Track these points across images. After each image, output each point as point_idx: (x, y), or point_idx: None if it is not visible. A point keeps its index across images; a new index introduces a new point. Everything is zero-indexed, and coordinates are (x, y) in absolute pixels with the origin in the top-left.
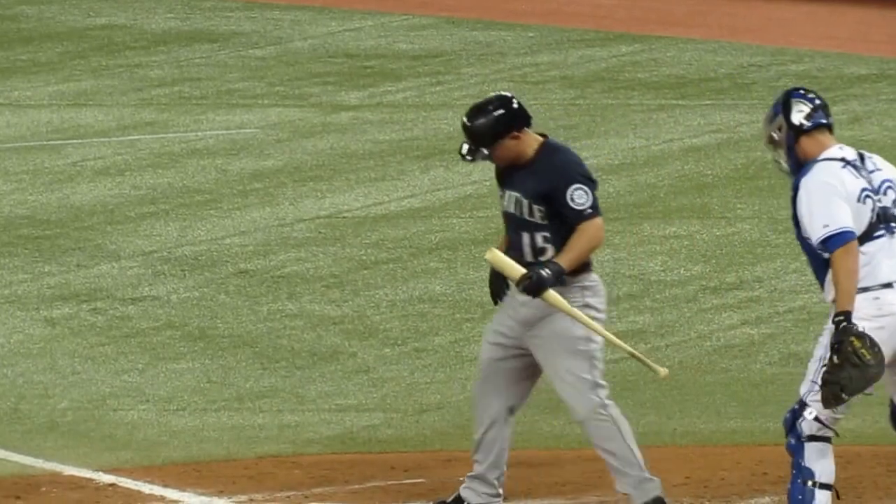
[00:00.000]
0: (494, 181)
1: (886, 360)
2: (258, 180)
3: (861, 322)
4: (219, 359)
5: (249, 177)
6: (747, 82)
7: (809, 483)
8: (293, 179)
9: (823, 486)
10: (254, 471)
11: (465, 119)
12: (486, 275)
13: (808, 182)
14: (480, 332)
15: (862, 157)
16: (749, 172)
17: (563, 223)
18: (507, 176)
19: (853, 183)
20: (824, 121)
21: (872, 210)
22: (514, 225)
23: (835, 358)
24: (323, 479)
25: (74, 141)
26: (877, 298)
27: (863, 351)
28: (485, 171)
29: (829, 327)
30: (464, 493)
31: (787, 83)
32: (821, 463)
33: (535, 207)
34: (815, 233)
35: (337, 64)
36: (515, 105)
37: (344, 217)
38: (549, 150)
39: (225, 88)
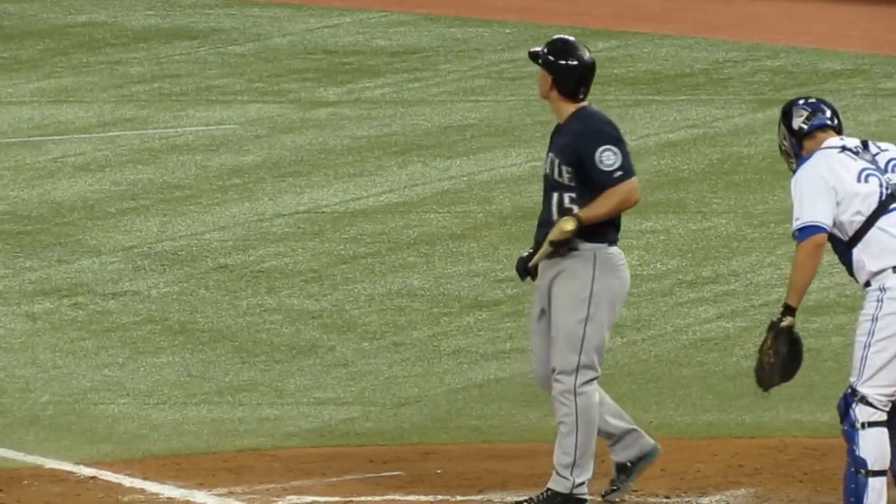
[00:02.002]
0: (472, 177)
1: None
2: (237, 176)
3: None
4: (198, 353)
5: (229, 172)
6: (723, 78)
7: (862, 472)
8: (272, 175)
9: (876, 474)
10: (233, 464)
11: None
12: (463, 269)
13: (799, 173)
14: (458, 327)
15: (865, 144)
16: (724, 168)
17: (592, 185)
18: (552, 138)
19: (851, 165)
20: (827, 122)
21: (881, 186)
22: (547, 186)
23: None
24: (301, 471)
25: (55, 137)
26: None
27: (770, 350)
28: (463, 166)
29: (865, 311)
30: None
31: (763, 79)
32: (874, 450)
33: (564, 168)
34: (792, 223)
35: (315, 60)
36: (576, 76)
37: (322, 212)
38: (581, 113)
39: (204, 85)
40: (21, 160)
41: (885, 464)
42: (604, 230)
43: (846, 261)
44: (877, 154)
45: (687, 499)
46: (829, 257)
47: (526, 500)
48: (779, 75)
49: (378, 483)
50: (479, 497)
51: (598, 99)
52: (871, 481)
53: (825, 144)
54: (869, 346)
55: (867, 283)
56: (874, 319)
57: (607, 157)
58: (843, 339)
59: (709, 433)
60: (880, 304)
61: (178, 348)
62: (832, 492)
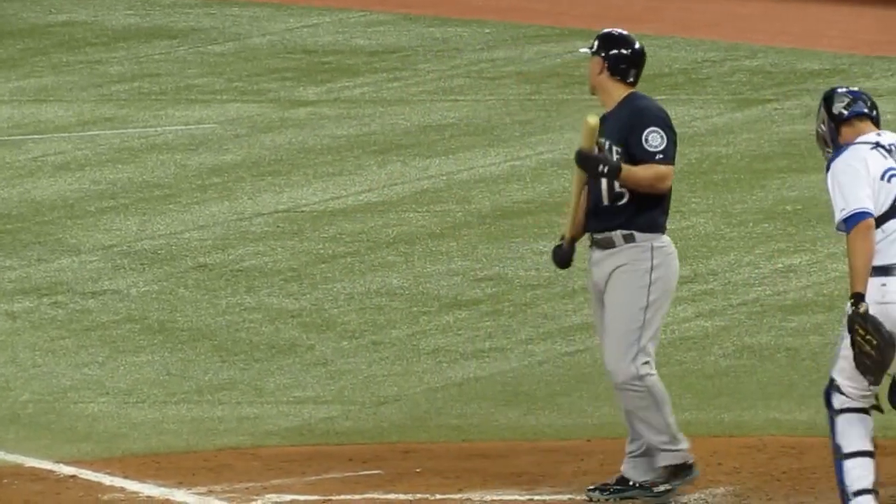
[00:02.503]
0: (451, 177)
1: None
2: (217, 175)
3: (869, 304)
4: (178, 352)
5: (208, 171)
6: (701, 77)
7: (839, 456)
8: (251, 174)
9: (852, 455)
10: (213, 462)
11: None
12: (442, 269)
13: (835, 165)
14: (437, 326)
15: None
16: (703, 167)
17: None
18: (602, 126)
19: (879, 162)
20: (865, 110)
21: None
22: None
23: (853, 347)
24: (281, 470)
25: (35, 136)
26: (884, 285)
27: (868, 337)
28: (442, 166)
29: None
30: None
31: (741, 78)
32: (849, 434)
33: (615, 149)
34: (835, 215)
35: (295, 60)
36: (628, 59)
37: (302, 211)
38: (633, 97)
39: (184, 84)
40: (1, 159)
41: (861, 445)
42: (657, 220)
43: None
44: None
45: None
46: (809, 256)
47: (645, 483)
48: (757, 75)
49: (357, 482)
50: (458, 496)
51: (577, 98)
52: (847, 463)
53: (860, 139)
54: (844, 337)
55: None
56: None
57: (654, 139)
58: (822, 338)
59: (687, 432)
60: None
61: (157, 347)
62: (810, 490)
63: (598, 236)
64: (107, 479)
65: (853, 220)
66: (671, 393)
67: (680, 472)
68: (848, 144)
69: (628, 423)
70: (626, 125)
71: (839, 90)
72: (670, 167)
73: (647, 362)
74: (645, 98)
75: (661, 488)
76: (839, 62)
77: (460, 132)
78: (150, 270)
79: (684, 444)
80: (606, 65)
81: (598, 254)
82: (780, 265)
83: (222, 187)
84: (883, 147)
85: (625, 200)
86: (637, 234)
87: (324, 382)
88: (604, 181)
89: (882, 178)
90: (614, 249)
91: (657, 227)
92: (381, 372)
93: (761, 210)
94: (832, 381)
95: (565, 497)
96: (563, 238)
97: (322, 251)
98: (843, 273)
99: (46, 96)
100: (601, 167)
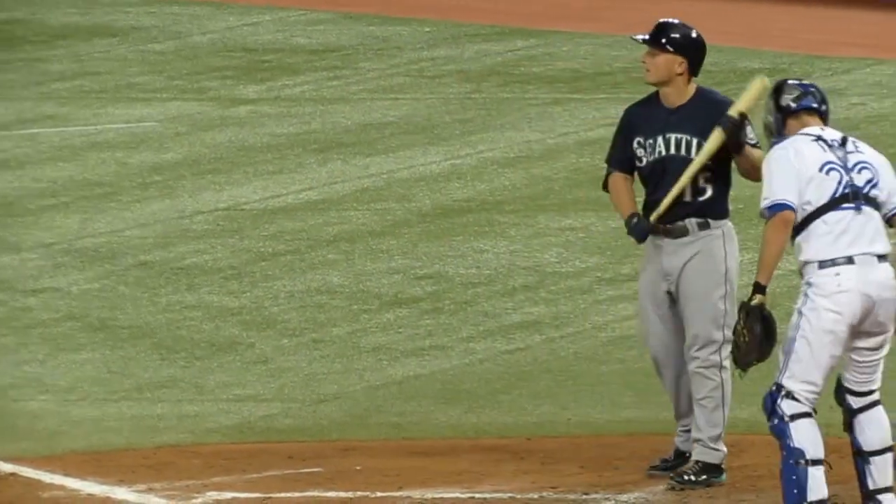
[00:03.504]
0: (392, 175)
1: (841, 333)
2: (158, 173)
3: (822, 299)
4: (119, 349)
5: (149, 170)
6: (642, 76)
7: (802, 462)
8: (192, 172)
9: (815, 462)
10: (153, 460)
11: (662, 20)
12: (383, 267)
13: (771, 153)
14: (377, 324)
15: (844, 140)
16: None
17: (723, 161)
18: (660, 122)
19: (819, 155)
20: (814, 105)
21: (839, 183)
22: (675, 166)
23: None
24: (222, 468)
25: None
26: (837, 275)
27: (744, 330)
28: (382, 164)
29: (796, 305)
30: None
31: None
32: (809, 440)
33: (695, 141)
34: (760, 202)
35: (235, 58)
36: (704, 58)
37: (242, 209)
38: (704, 91)
39: (125, 82)
40: None
41: (821, 453)
42: (726, 206)
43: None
44: (850, 153)
45: (606, 496)
46: (752, 255)
47: (678, 475)
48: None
49: (298, 479)
50: (398, 493)
51: (517, 97)
52: (812, 470)
53: (803, 131)
54: (794, 339)
55: (801, 275)
56: (800, 314)
57: (749, 130)
58: None
59: (628, 430)
60: (806, 298)
61: (98, 345)
62: (751, 489)
63: (669, 225)
64: (47, 477)
65: (773, 210)
66: (612, 391)
67: (711, 470)
68: (787, 137)
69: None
70: (710, 118)
71: (790, 82)
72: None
73: (730, 353)
74: (714, 91)
75: (688, 478)
76: (780, 61)
77: (401, 131)
78: (90, 268)
79: (724, 448)
80: (688, 65)
81: (670, 246)
82: None
83: (163, 185)
84: (824, 141)
85: (707, 196)
86: (711, 221)
87: (264, 380)
88: (687, 177)
89: (821, 170)
90: (687, 239)
91: (727, 214)
92: (322, 370)
93: None
94: (780, 387)
95: (506, 495)
96: (635, 215)
97: (263, 249)
98: (786, 271)
99: None
100: (743, 136)
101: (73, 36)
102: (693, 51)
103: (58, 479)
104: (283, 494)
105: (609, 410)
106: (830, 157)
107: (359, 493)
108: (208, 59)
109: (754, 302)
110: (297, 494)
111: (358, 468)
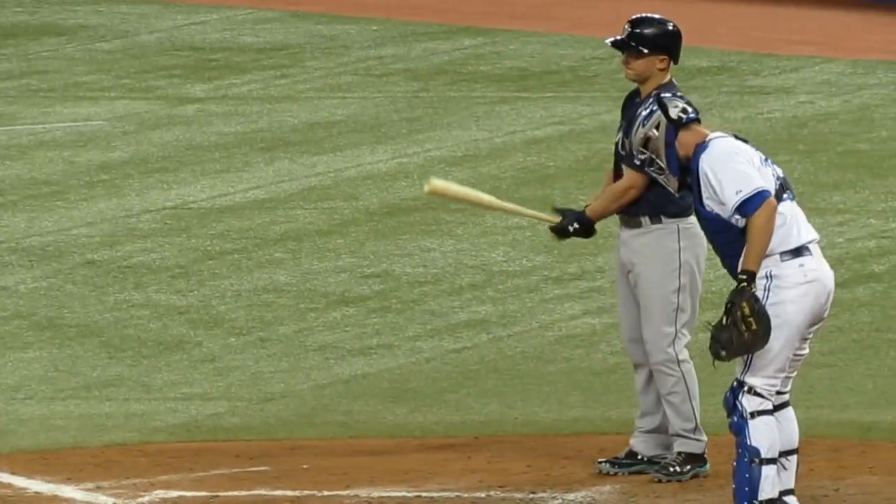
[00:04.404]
0: (339, 174)
1: (806, 325)
2: (105, 172)
3: (788, 291)
4: (66, 348)
5: (97, 168)
6: (589, 75)
7: (756, 461)
8: (140, 171)
9: (769, 462)
10: (100, 458)
11: (633, 17)
12: (330, 265)
13: (710, 157)
14: (324, 322)
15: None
16: (591, 164)
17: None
18: (630, 111)
19: (750, 149)
20: (699, 117)
21: (774, 175)
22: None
23: (724, 318)
24: (169, 466)
25: None
26: (801, 265)
27: (751, 319)
28: (329, 162)
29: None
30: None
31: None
32: (766, 439)
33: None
34: (730, 200)
35: (183, 57)
36: (679, 38)
37: (190, 208)
38: (669, 87)
39: (72, 81)
40: None
41: (776, 452)
42: (677, 206)
43: (733, 249)
44: (756, 149)
45: (553, 495)
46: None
47: (663, 468)
48: None
49: (245, 478)
50: (345, 492)
51: (464, 95)
52: (765, 469)
53: (717, 134)
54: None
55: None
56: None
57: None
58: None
59: (574, 429)
60: (767, 292)
61: (45, 343)
62: (699, 488)
63: (626, 216)
64: None
65: (757, 200)
66: (558, 391)
67: (694, 460)
68: (707, 141)
69: (643, 399)
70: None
71: (666, 96)
72: (637, 176)
73: (686, 345)
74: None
75: (674, 469)
76: (728, 59)
77: (348, 129)
78: (38, 267)
79: (704, 437)
80: (668, 60)
81: (625, 235)
82: None
83: (110, 184)
84: (739, 137)
85: (661, 192)
86: (664, 218)
87: (211, 379)
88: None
89: (763, 163)
90: (640, 231)
91: (683, 211)
92: (269, 368)
93: None
94: (742, 384)
95: (452, 494)
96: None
97: (210, 248)
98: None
99: None
100: (570, 227)
101: (22, 35)
102: (672, 45)
103: (5, 478)
104: (230, 493)
105: (556, 409)
106: (759, 152)
107: (306, 492)
108: (156, 58)
109: (754, 290)
110: (244, 493)
111: (305, 467)
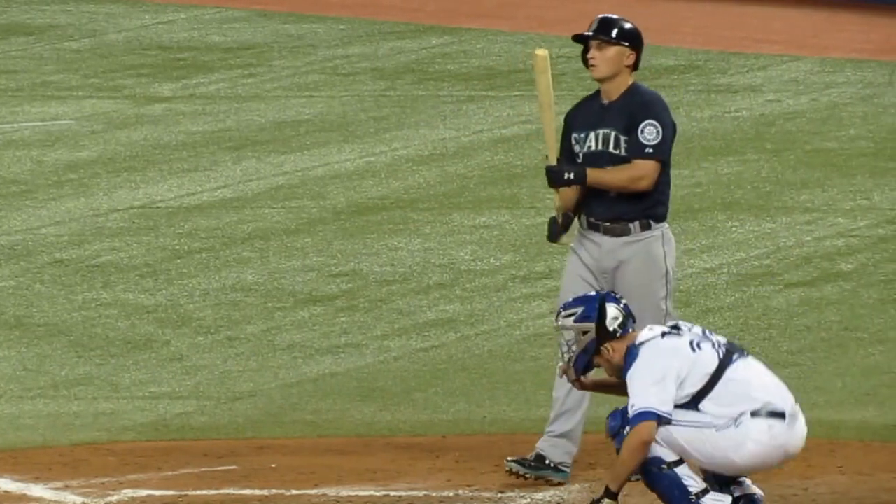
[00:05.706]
0: (306, 173)
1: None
2: (73, 171)
3: (754, 446)
4: (34, 347)
5: (64, 167)
6: (556, 74)
7: (664, 467)
8: (107, 170)
9: (677, 464)
10: (69, 458)
11: (601, 15)
12: (297, 264)
13: (635, 365)
14: (292, 321)
15: (676, 327)
16: None
17: (664, 165)
18: (594, 117)
19: (678, 342)
20: (633, 327)
21: (714, 346)
22: (604, 161)
23: None
24: (137, 465)
25: None
26: (771, 427)
27: None
28: (297, 161)
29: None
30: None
31: None
32: (658, 448)
33: (622, 139)
34: (629, 408)
35: (150, 56)
36: (643, 42)
37: (157, 207)
38: (637, 86)
39: (40, 80)
40: None
41: (676, 455)
42: (666, 209)
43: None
44: (690, 329)
45: (521, 494)
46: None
47: (561, 465)
48: None
49: (213, 477)
50: (314, 491)
51: (431, 94)
52: (677, 470)
53: (643, 338)
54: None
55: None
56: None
57: (650, 132)
58: None
59: (542, 429)
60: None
61: (13, 342)
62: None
63: (608, 224)
64: None
65: (640, 417)
66: (526, 389)
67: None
68: (636, 348)
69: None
70: (635, 114)
71: (609, 300)
72: (655, 165)
73: None
74: (648, 89)
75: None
76: (695, 58)
77: (315, 128)
78: (6, 266)
79: None
80: (636, 57)
81: (609, 244)
82: None
83: (78, 183)
84: (668, 332)
85: (649, 198)
86: (652, 223)
87: (179, 378)
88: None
89: (693, 349)
90: (626, 239)
91: (665, 217)
92: (237, 367)
93: None
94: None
95: (420, 493)
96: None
97: (177, 247)
98: (699, 269)
99: None
100: (566, 175)
101: None
102: (640, 44)
103: None
104: (198, 492)
105: (523, 408)
106: (688, 336)
107: (274, 491)
108: (123, 58)
109: None
110: (212, 492)
111: (273, 466)
